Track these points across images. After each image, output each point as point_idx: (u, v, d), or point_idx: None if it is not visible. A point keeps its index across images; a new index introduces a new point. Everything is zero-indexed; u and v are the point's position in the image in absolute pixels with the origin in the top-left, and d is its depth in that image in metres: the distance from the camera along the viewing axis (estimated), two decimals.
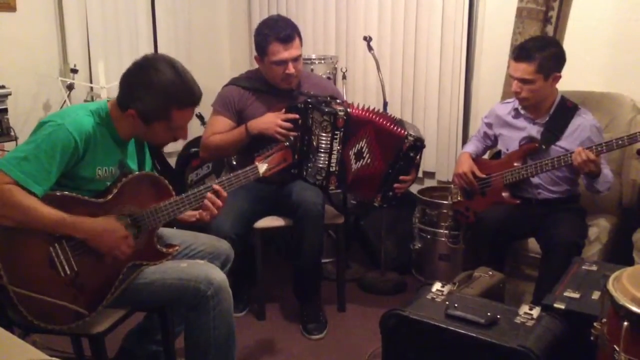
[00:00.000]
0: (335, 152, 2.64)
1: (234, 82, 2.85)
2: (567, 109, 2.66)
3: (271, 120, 2.62)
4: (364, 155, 2.71)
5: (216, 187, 2.02)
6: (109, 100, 1.95)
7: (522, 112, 2.74)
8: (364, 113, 2.68)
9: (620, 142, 2.39)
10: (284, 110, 2.65)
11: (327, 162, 2.65)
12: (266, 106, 2.76)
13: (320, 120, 2.59)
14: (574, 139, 2.61)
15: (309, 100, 2.63)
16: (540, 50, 2.54)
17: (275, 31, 2.65)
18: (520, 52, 2.57)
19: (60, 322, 1.78)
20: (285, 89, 2.75)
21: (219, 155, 3.05)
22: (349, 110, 2.63)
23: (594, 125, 2.63)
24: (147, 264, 1.97)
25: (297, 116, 2.60)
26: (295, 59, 2.69)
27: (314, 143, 2.62)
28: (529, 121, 2.72)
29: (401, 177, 2.73)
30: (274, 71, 2.70)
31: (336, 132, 2.61)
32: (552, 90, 2.65)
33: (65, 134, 1.75)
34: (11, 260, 1.69)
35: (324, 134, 2.60)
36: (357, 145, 2.69)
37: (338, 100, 2.72)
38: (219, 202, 2.02)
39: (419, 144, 2.70)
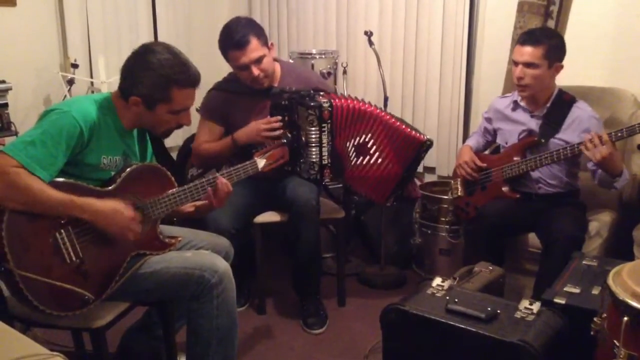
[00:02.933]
0: (325, 145, 2.61)
1: (216, 87, 2.85)
2: (564, 101, 2.66)
3: (255, 129, 2.62)
4: (371, 152, 2.68)
5: (222, 179, 2.06)
6: (112, 92, 2.00)
7: (520, 104, 2.74)
8: (357, 104, 2.63)
9: (619, 134, 2.38)
10: (267, 116, 2.64)
11: (318, 156, 2.63)
12: (250, 106, 2.75)
13: (306, 115, 2.55)
14: (573, 130, 2.61)
15: (292, 96, 2.60)
16: (548, 38, 2.57)
17: (229, 38, 2.62)
18: (528, 37, 2.58)
19: (65, 308, 1.78)
20: (260, 89, 2.73)
21: (208, 163, 3.05)
22: (333, 101, 2.58)
23: (593, 116, 2.62)
24: (151, 254, 1.98)
25: (279, 118, 2.59)
26: (257, 61, 2.64)
27: (303, 138, 2.60)
28: (527, 114, 2.72)
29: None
30: (242, 76, 2.70)
31: (323, 125, 2.58)
32: (552, 81, 2.65)
33: (71, 121, 1.78)
34: (18, 244, 1.70)
35: (312, 128, 2.58)
36: (358, 138, 2.66)
37: (322, 93, 2.67)
38: (222, 194, 2.08)
39: (431, 147, 2.72)
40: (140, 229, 1.89)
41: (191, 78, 1.95)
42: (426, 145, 2.68)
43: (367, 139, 2.67)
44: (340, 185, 2.96)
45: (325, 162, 2.63)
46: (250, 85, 2.71)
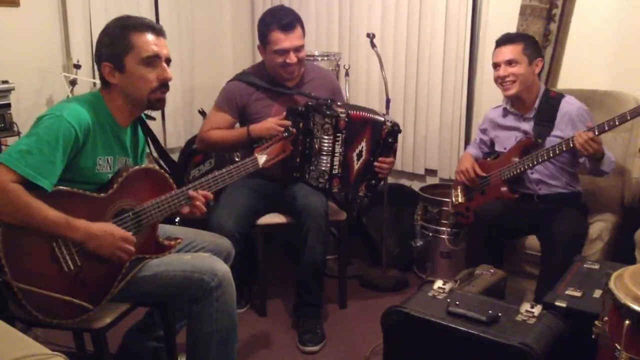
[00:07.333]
0: (337, 155, 2.64)
1: (238, 77, 2.84)
2: (552, 98, 2.70)
3: (271, 127, 2.60)
4: (363, 154, 2.71)
5: (192, 193, 2.00)
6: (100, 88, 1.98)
7: (510, 109, 2.77)
8: (362, 113, 2.68)
9: (611, 122, 2.41)
10: (284, 114, 2.64)
11: (329, 165, 2.65)
12: (269, 104, 2.76)
13: (322, 123, 2.59)
14: (565, 125, 2.64)
15: (309, 103, 2.63)
16: (522, 37, 2.71)
17: (277, 19, 2.65)
18: (503, 38, 2.69)
19: (64, 317, 1.79)
20: (286, 78, 2.74)
21: (214, 149, 3.10)
22: (350, 112, 2.63)
23: (582, 108, 2.67)
24: (150, 257, 1.97)
25: (289, 123, 2.58)
26: (297, 49, 2.68)
27: (316, 146, 2.61)
28: (518, 118, 2.76)
29: (380, 158, 2.71)
30: (275, 60, 2.69)
31: (338, 135, 2.61)
32: (535, 80, 2.71)
33: (65, 125, 1.76)
34: (15, 256, 1.69)
35: (325, 137, 2.60)
36: (359, 146, 2.70)
37: (339, 103, 2.71)
38: (204, 200, 2.03)
39: (396, 129, 2.71)
40: (134, 249, 1.87)
41: (146, 22, 1.93)
42: (387, 126, 2.67)
43: (364, 144, 2.69)
44: (344, 193, 2.96)
45: (335, 171, 2.64)
46: (280, 71, 2.71)
